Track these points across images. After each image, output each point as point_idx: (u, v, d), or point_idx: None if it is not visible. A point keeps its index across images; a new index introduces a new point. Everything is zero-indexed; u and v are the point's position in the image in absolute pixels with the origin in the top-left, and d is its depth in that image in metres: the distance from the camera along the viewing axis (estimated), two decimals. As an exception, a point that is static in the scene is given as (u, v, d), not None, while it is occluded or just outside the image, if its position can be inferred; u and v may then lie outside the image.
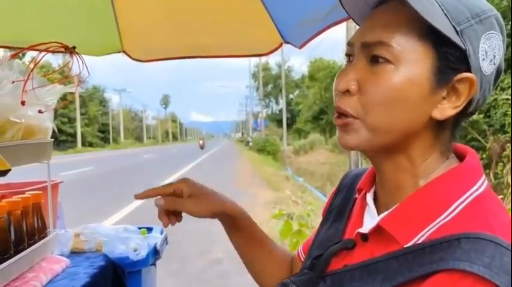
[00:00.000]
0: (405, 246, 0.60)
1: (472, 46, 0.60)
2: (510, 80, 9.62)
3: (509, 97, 9.47)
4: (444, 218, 0.60)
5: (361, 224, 0.71)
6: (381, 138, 0.63)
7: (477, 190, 0.62)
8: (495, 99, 9.99)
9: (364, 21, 0.67)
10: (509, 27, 9.26)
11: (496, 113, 9.95)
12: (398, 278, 0.57)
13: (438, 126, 0.64)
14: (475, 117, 9.72)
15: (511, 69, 9.68)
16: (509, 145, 9.17)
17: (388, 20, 0.62)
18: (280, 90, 43.35)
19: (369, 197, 0.73)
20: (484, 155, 9.90)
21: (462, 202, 0.60)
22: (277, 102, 67.95)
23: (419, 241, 0.60)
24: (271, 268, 0.93)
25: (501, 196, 8.42)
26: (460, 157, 0.68)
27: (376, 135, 0.63)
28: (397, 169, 0.66)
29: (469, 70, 0.61)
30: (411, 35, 0.60)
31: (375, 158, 0.69)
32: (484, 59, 0.61)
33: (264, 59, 52.62)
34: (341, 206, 0.81)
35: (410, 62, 0.60)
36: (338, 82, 0.64)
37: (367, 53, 0.63)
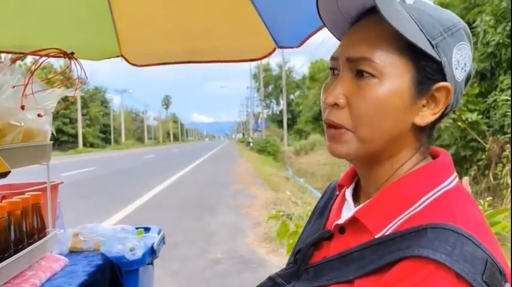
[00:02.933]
0: (377, 236, 0.65)
1: (446, 58, 0.65)
2: (510, 81, 9.62)
3: (509, 98, 9.48)
4: (413, 210, 0.64)
5: (339, 218, 0.75)
6: (369, 147, 0.68)
7: (447, 185, 0.66)
8: (495, 101, 9.99)
9: (346, 37, 0.70)
10: (508, 28, 9.28)
11: (495, 114, 9.95)
12: (370, 266, 0.62)
13: (418, 130, 0.69)
14: (474, 118, 9.75)
15: (511, 70, 9.69)
16: (508, 145, 9.18)
17: (370, 36, 0.66)
18: (281, 91, 43.32)
19: (348, 193, 0.78)
20: (484, 156, 9.91)
21: (431, 196, 0.65)
22: (278, 103, 67.93)
23: (389, 231, 0.64)
24: None
25: (500, 197, 8.44)
26: (435, 157, 0.72)
27: (366, 145, 0.67)
28: (379, 170, 0.71)
29: (444, 79, 0.66)
30: (391, 50, 0.64)
31: (358, 162, 0.74)
32: (456, 68, 0.67)
33: (264, 60, 52.55)
34: (324, 206, 0.87)
35: (392, 76, 0.64)
36: (326, 96, 0.68)
37: (352, 68, 0.67)
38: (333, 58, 0.71)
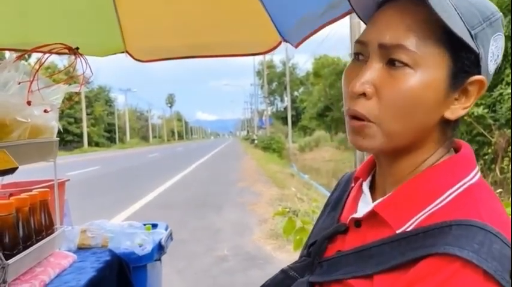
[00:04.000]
0: (398, 232, 0.63)
1: (483, 49, 0.62)
2: (511, 77, 9.53)
3: None
4: (436, 206, 0.62)
5: (355, 211, 0.73)
6: (394, 142, 0.64)
7: (470, 180, 0.64)
8: (501, 94, 9.91)
9: (377, 20, 0.65)
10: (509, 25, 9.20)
11: (501, 108, 9.87)
12: (391, 261, 0.60)
13: (445, 123, 0.66)
14: (480, 112, 9.67)
15: (510, 64, 9.60)
16: (515, 139, 9.12)
17: (405, 22, 0.61)
18: (285, 88, 43.30)
19: (365, 186, 0.75)
20: (490, 150, 9.84)
21: (454, 191, 0.63)
22: (282, 100, 67.90)
23: (411, 227, 0.62)
24: None
25: (508, 191, 8.37)
26: (456, 150, 0.70)
27: (391, 139, 0.64)
28: (402, 163, 0.69)
29: (479, 72, 0.63)
30: (429, 39, 0.60)
31: (382, 156, 0.71)
32: (491, 60, 0.64)
33: (268, 56, 52.58)
34: (337, 199, 0.84)
35: (428, 67, 0.60)
36: (354, 84, 0.62)
37: (385, 55, 0.62)
38: (361, 42, 0.65)
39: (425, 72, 0.60)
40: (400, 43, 0.60)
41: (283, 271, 0.78)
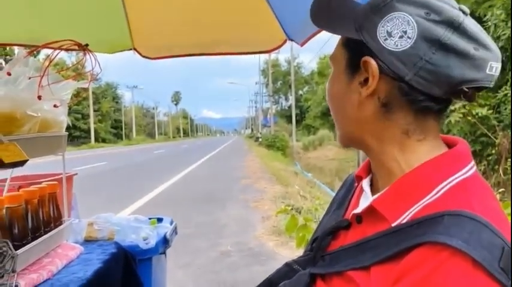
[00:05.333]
0: (393, 224, 0.65)
1: (368, 34, 0.68)
2: (510, 76, 9.46)
3: None
4: (429, 198, 0.65)
5: (357, 207, 0.76)
6: (346, 133, 0.77)
7: (464, 174, 0.66)
8: (505, 95, 9.85)
9: None
10: (509, 24, 9.14)
11: (505, 109, 9.82)
12: (386, 252, 0.63)
13: (386, 113, 0.70)
14: (484, 112, 9.62)
15: (511, 66, 9.53)
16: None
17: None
18: (290, 87, 43.15)
19: (365, 183, 0.79)
20: (494, 151, 9.79)
21: (448, 184, 0.65)
22: (286, 99, 67.75)
23: (406, 219, 0.65)
24: None
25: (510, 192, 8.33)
26: (451, 146, 0.72)
27: (342, 131, 0.78)
28: (378, 154, 0.73)
29: (372, 54, 0.68)
30: (338, 45, 0.77)
31: (361, 149, 0.78)
32: (386, 39, 0.66)
33: (273, 55, 52.40)
34: (343, 198, 0.88)
35: (335, 65, 0.77)
36: None
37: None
38: None
39: (334, 68, 0.77)
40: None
41: (287, 264, 0.82)
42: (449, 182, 0.65)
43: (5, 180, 1.56)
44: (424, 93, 0.67)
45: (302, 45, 1.63)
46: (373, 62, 0.68)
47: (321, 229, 0.86)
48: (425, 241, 0.58)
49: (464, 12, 0.66)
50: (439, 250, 0.57)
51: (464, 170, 0.67)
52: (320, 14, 0.77)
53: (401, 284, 0.58)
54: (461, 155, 0.69)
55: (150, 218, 1.89)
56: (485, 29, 0.70)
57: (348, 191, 0.88)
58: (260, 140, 39.07)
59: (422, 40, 0.65)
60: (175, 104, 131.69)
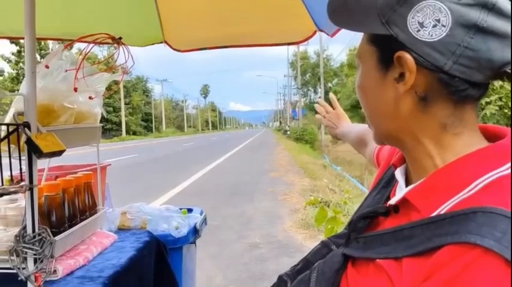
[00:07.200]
0: (429, 216, 0.64)
1: (398, 28, 0.65)
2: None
3: None
4: (465, 194, 0.62)
5: (394, 197, 0.75)
6: (379, 128, 0.75)
7: (504, 171, 0.63)
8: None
9: None
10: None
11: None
12: (419, 246, 0.61)
13: (423, 108, 0.67)
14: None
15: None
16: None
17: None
18: (319, 79, 42.74)
19: (398, 173, 0.78)
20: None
21: (485, 179, 0.62)
22: (315, 91, 67.08)
23: (440, 213, 0.63)
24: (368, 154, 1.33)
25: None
26: (494, 137, 0.70)
27: (375, 126, 0.76)
28: (412, 150, 0.72)
29: (404, 48, 0.65)
30: (364, 42, 0.73)
31: (395, 146, 0.77)
32: (419, 30, 0.64)
33: (302, 47, 52.01)
34: (391, 176, 0.86)
35: (364, 62, 0.74)
36: None
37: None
38: None
39: (363, 66, 0.74)
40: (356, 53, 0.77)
41: (323, 242, 0.84)
42: (488, 178, 0.63)
43: (42, 169, 1.62)
44: (465, 80, 0.65)
45: (332, 36, 1.61)
46: (408, 57, 0.65)
47: (365, 206, 0.85)
48: (457, 240, 0.57)
49: None
50: (470, 249, 0.55)
51: (505, 167, 0.64)
52: (339, 13, 0.74)
53: (430, 281, 0.57)
54: (504, 151, 0.66)
55: (180, 209, 1.93)
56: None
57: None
58: (288, 133, 38.94)
59: (457, 26, 0.63)
60: (204, 97, 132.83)
